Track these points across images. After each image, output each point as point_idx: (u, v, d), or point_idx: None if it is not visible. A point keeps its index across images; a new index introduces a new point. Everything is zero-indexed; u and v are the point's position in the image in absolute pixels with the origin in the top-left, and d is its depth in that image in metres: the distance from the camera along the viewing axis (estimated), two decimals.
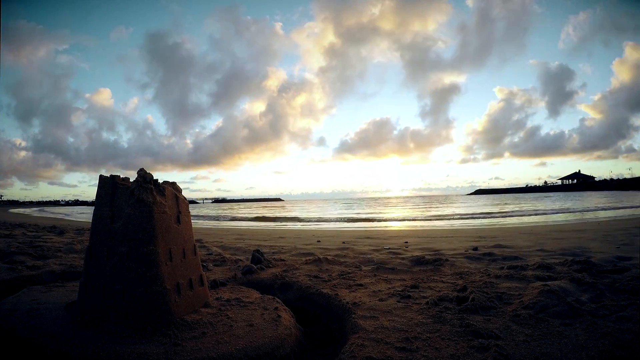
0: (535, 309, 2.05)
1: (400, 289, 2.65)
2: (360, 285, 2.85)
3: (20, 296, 2.37)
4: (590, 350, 1.60)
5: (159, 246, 1.95)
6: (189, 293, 2.11)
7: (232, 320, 2.02)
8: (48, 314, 2.00)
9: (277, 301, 2.39)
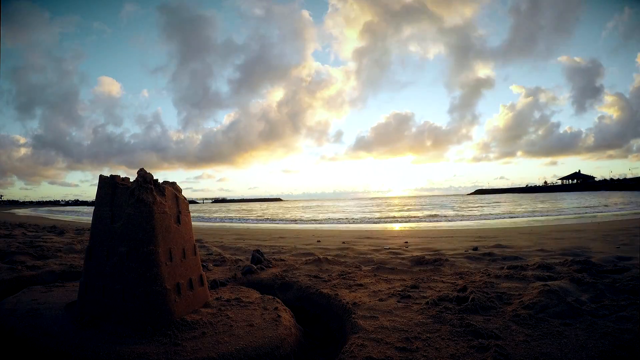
0: (535, 309, 2.05)
1: (400, 289, 2.65)
2: (360, 285, 2.85)
3: (20, 296, 2.37)
4: (590, 350, 1.60)
5: (159, 246, 1.95)
6: (189, 293, 2.11)
7: (232, 320, 2.02)
8: (48, 314, 2.00)
9: (277, 301, 2.39)
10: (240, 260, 4.12)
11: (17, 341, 1.75)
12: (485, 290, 2.40)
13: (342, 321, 2.23)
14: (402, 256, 4.44)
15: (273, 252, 5.06)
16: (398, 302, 2.38)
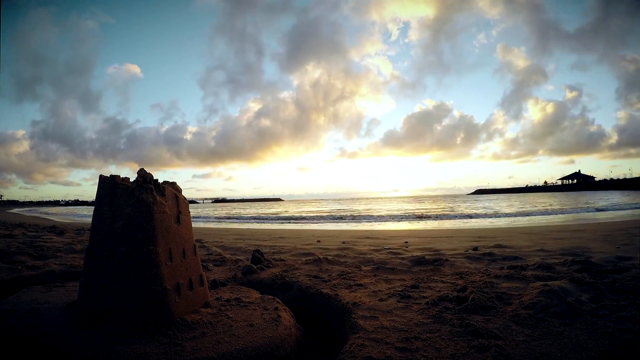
0: (535, 309, 2.05)
1: (400, 289, 2.65)
2: (360, 285, 2.85)
3: (20, 296, 2.37)
4: (590, 350, 1.60)
5: (159, 246, 1.95)
6: (189, 293, 2.11)
7: (232, 320, 2.02)
8: (48, 314, 2.00)
9: (277, 301, 2.39)
10: (240, 260, 4.12)
11: (17, 341, 1.75)
12: (485, 290, 2.40)
13: (342, 321, 2.23)
14: (402, 256, 4.44)
15: (273, 252, 5.06)
16: (398, 302, 2.38)
